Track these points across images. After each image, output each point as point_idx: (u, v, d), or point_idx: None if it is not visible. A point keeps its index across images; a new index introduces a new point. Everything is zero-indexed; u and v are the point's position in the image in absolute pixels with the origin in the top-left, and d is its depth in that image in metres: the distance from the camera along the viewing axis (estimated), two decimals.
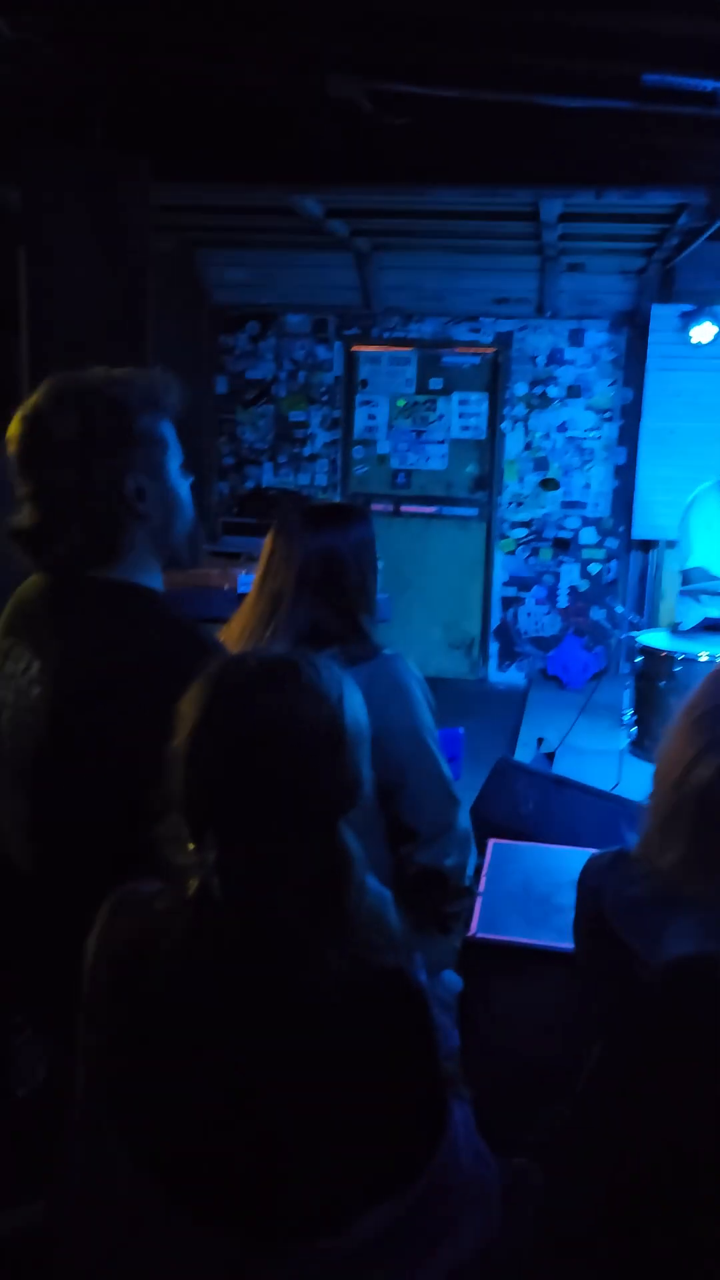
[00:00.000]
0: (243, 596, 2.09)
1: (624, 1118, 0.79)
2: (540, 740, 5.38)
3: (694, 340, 6.11)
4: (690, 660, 4.04)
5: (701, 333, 6.08)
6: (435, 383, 7.04)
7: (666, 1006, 0.81)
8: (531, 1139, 1.31)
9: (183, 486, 1.55)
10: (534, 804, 2.96)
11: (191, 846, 1.12)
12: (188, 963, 1.10)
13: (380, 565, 2.05)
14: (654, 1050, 0.80)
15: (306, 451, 7.24)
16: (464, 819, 1.99)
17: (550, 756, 5.01)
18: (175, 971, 1.10)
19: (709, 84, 3.51)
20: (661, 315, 6.27)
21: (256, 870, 1.09)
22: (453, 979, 1.30)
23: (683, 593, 5.00)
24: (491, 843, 2.39)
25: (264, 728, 1.11)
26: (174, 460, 1.54)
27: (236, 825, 1.10)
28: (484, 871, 2.24)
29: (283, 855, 1.10)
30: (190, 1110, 1.06)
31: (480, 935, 1.99)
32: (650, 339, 6.33)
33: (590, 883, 1.39)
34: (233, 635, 1.97)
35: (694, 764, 1.29)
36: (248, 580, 2.12)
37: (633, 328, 6.60)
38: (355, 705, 1.17)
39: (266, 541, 2.02)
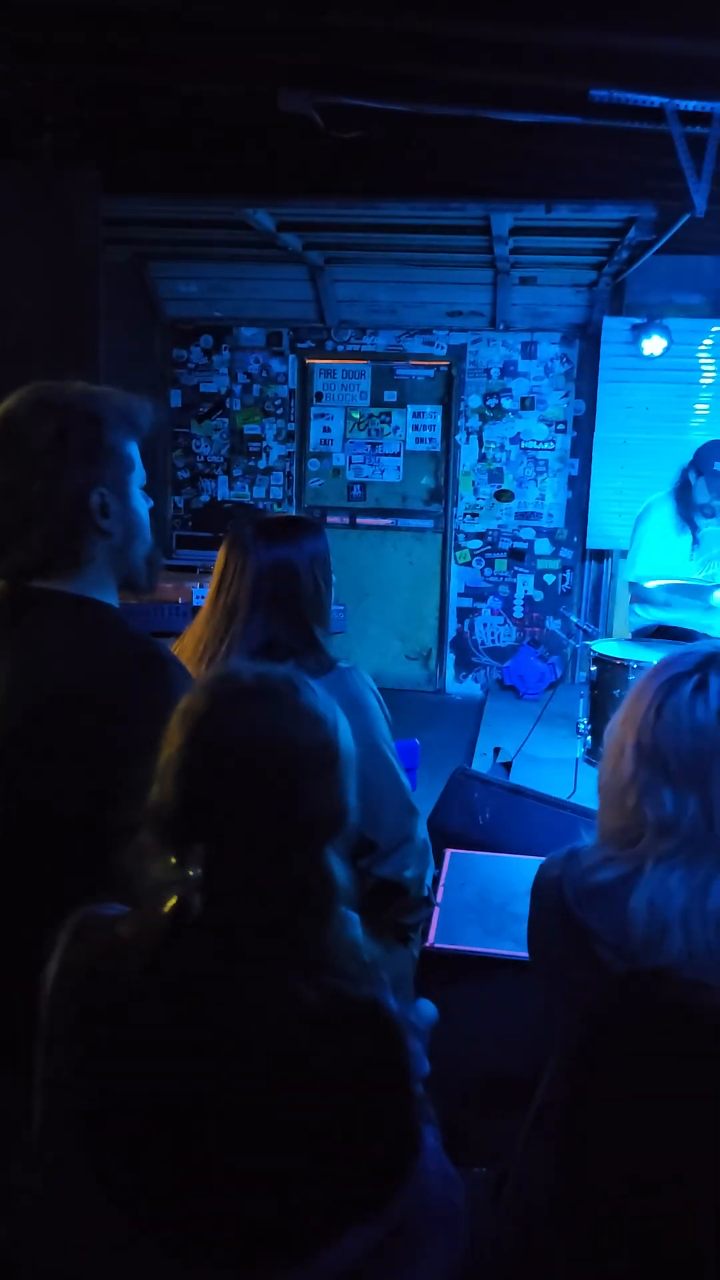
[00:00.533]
0: (197, 610, 2.08)
1: (577, 1126, 0.79)
2: (497, 750, 5.40)
3: (645, 352, 6.19)
4: (645, 668, 4.08)
5: (652, 345, 6.16)
6: (390, 395, 7.07)
7: (617, 1021, 0.81)
8: (493, 1150, 1.30)
9: (143, 509, 1.54)
10: (491, 814, 2.96)
11: (173, 861, 1.10)
12: (157, 986, 1.08)
13: (336, 578, 2.05)
14: (612, 1045, 0.80)
15: (261, 464, 7.24)
16: (422, 830, 1.99)
17: (507, 766, 5.04)
18: (143, 996, 1.08)
19: (656, 99, 3.56)
20: (612, 328, 6.35)
21: (241, 889, 1.08)
22: (428, 1008, 1.29)
23: (633, 605, 5.04)
24: (449, 853, 2.40)
25: (260, 744, 1.10)
26: (138, 481, 1.53)
27: (225, 841, 1.09)
28: (441, 882, 2.24)
29: (269, 875, 1.08)
30: (159, 1140, 1.04)
31: (438, 946, 1.99)
32: (602, 351, 6.40)
33: (550, 874, 1.42)
34: (187, 650, 1.96)
35: (642, 699, 1.40)
36: (202, 594, 2.11)
37: (584, 340, 6.68)
38: (346, 730, 1.16)
39: (220, 555, 2.01)
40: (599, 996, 0.88)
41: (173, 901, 1.08)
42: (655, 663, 1.47)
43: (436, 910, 2.09)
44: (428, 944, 1.98)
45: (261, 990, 1.06)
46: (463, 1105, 1.65)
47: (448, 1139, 1.24)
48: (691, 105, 3.56)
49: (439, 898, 2.15)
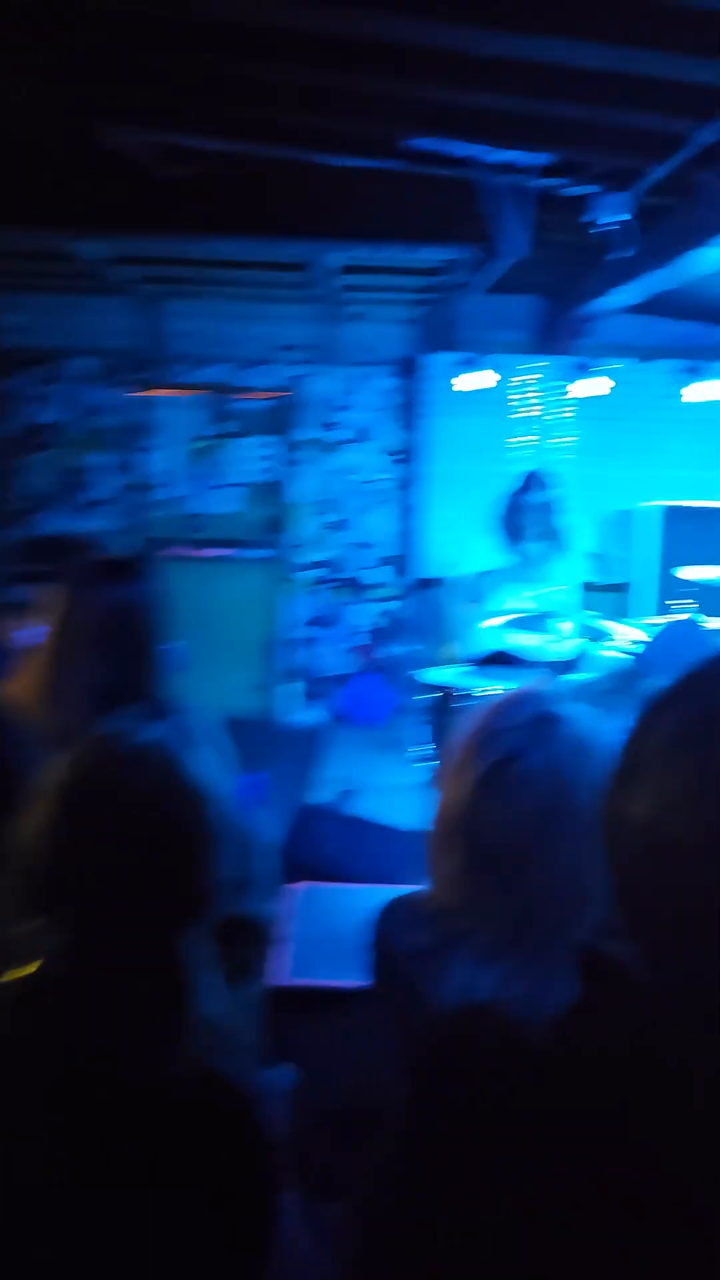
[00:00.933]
0: (29, 650, 2.02)
1: (412, 1158, 0.81)
2: (342, 779, 5.44)
3: (470, 386, 6.40)
4: (478, 694, 4.20)
5: (477, 380, 6.37)
6: (225, 427, 7.07)
7: (437, 1062, 0.84)
8: (348, 1186, 1.31)
9: None
10: (337, 844, 2.99)
11: (37, 923, 1.06)
12: (8, 1056, 1.04)
13: (175, 611, 2.03)
14: (430, 1099, 0.82)
15: (95, 497, 7.10)
16: (270, 864, 1.99)
17: (350, 795, 5.07)
18: None
19: (469, 148, 3.72)
20: (439, 362, 6.54)
21: (104, 958, 1.05)
22: (285, 1074, 1.28)
23: (466, 631, 5.18)
24: (297, 886, 2.40)
25: (132, 819, 1.07)
26: None
27: (91, 910, 1.05)
28: (291, 916, 2.24)
29: (133, 947, 1.05)
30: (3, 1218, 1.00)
31: (290, 982, 1.99)
32: (429, 385, 6.58)
33: (380, 930, 1.41)
34: (20, 693, 1.91)
35: (465, 796, 1.31)
36: (34, 633, 2.06)
37: (413, 374, 6.86)
38: (221, 800, 1.14)
39: (53, 595, 1.97)
40: (428, 1033, 0.90)
41: (33, 966, 1.05)
42: (479, 725, 1.38)
43: (287, 946, 2.09)
44: (280, 981, 1.98)
45: (123, 1058, 1.03)
46: (322, 1141, 1.65)
47: (309, 1180, 1.24)
48: (502, 156, 3.73)
49: (289, 933, 2.15)
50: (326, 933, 2.15)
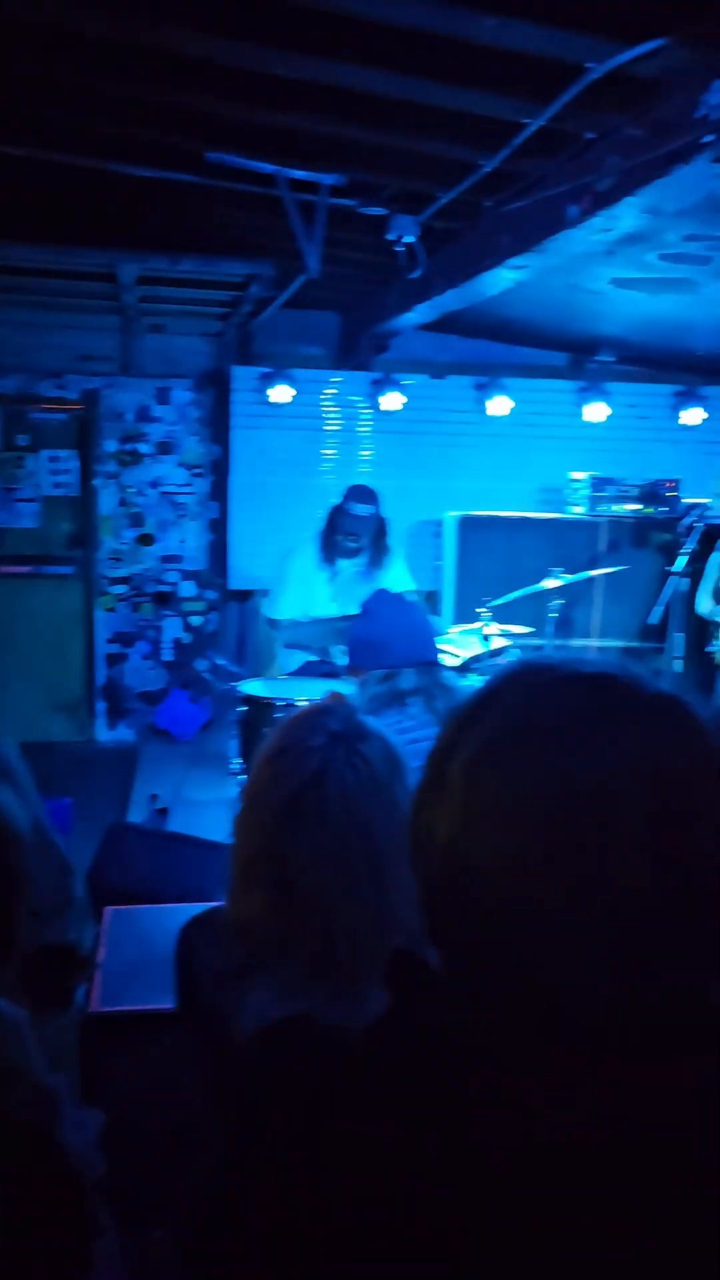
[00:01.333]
0: None
1: (234, 1172, 0.81)
2: (154, 797, 5.36)
3: (273, 400, 6.44)
4: (290, 705, 4.23)
5: (279, 394, 6.42)
6: (22, 439, 6.84)
7: (251, 1079, 0.84)
8: (167, 1213, 1.30)
9: None
10: (150, 864, 2.95)
11: None
12: None
13: None
14: (250, 1116, 0.82)
15: None
16: (80, 889, 1.95)
17: (164, 812, 5.01)
18: None
19: (268, 167, 3.76)
20: (241, 376, 6.55)
21: None
22: (94, 1116, 1.24)
23: (287, 645, 5.22)
24: (108, 910, 2.35)
25: None
26: None
27: None
28: (102, 941, 2.19)
29: None
30: None
31: (103, 1009, 1.95)
32: (233, 399, 6.58)
33: (182, 950, 1.40)
34: None
35: (265, 828, 1.30)
36: None
37: (216, 387, 6.84)
38: (21, 849, 1.09)
39: None
40: (242, 1051, 0.90)
41: None
42: (275, 750, 1.36)
43: (98, 972, 2.04)
44: (92, 1009, 1.94)
45: None
46: (137, 1171, 1.62)
47: (126, 1211, 1.23)
48: (300, 174, 3.79)
49: (100, 958, 2.11)
50: (137, 956, 2.12)
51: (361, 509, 4.89)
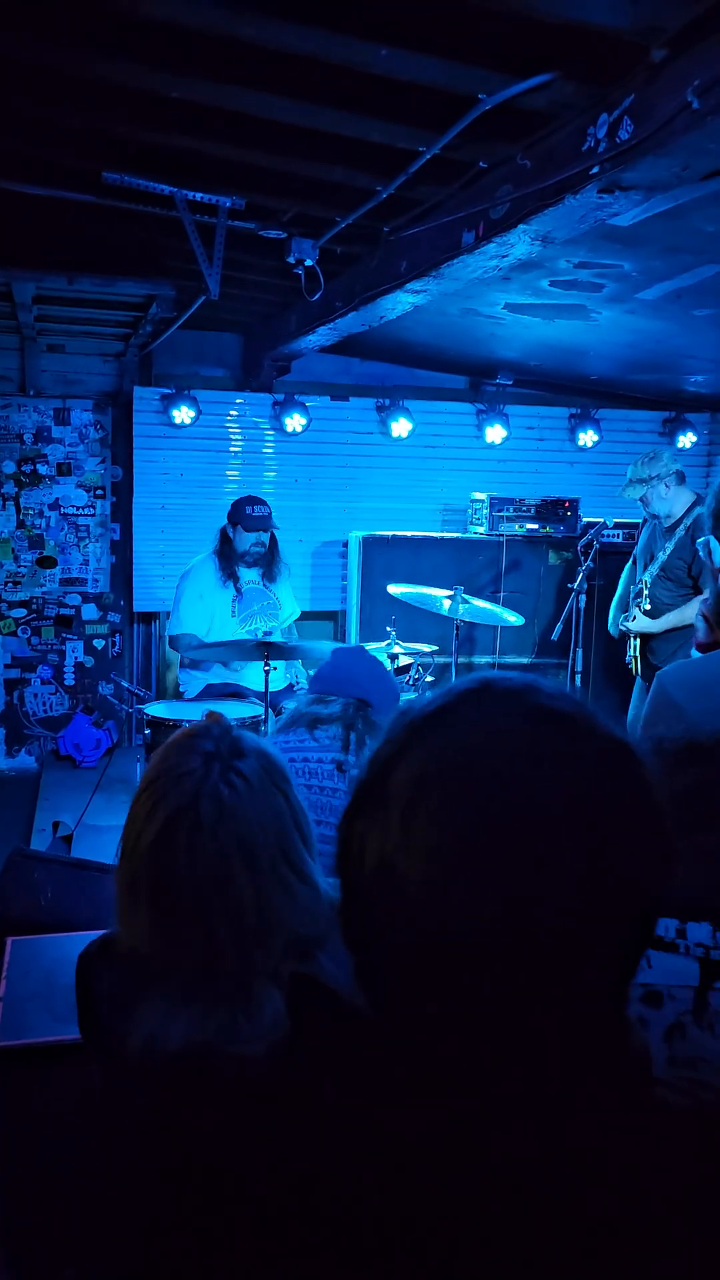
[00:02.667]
0: None
1: (143, 1209, 0.80)
2: (57, 824, 5.25)
3: (176, 421, 6.41)
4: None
5: (181, 415, 6.40)
6: None
7: (154, 1114, 0.82)
8: (78, 1253, 1.27)
9: None
10: (53, 892, 2.88)
11: None
12: None
13: None
14: (158, 1157, 0.80)
15: None
16: None
17: (68, 839, 4.91)
18: None
19: (167, 188, 3.75)
20: (143, 397, 6.51)
21: None
22: None
23: (182, 666, 5.19)
24: (9, 941, 2.29)
25: None
26: None
27: None
28: (3, 974, 2.14)
29: None
30: None
31: (4, 1044, 1.90)
32: (135, 420, 6.53)
33: (80, 976, 1.39)
34: None
35: (145, 849, 1.32)
36: None
37: (117, 408, 6.77)
38: None
39: None
40: (151, 1080, 0.89)
41: None
42: (152, 776, 1.38)
43: (0, 1005, 1.99)
44: None
45: None
46: (55, 1205, 1.58)
47: (35, 1238, 1.20)
48: (199, 196, 3.79)
49: (1, 991, 2.05)
50: (42, 987, 2.07)
51: (259, 510, 4.92)
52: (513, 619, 5.49)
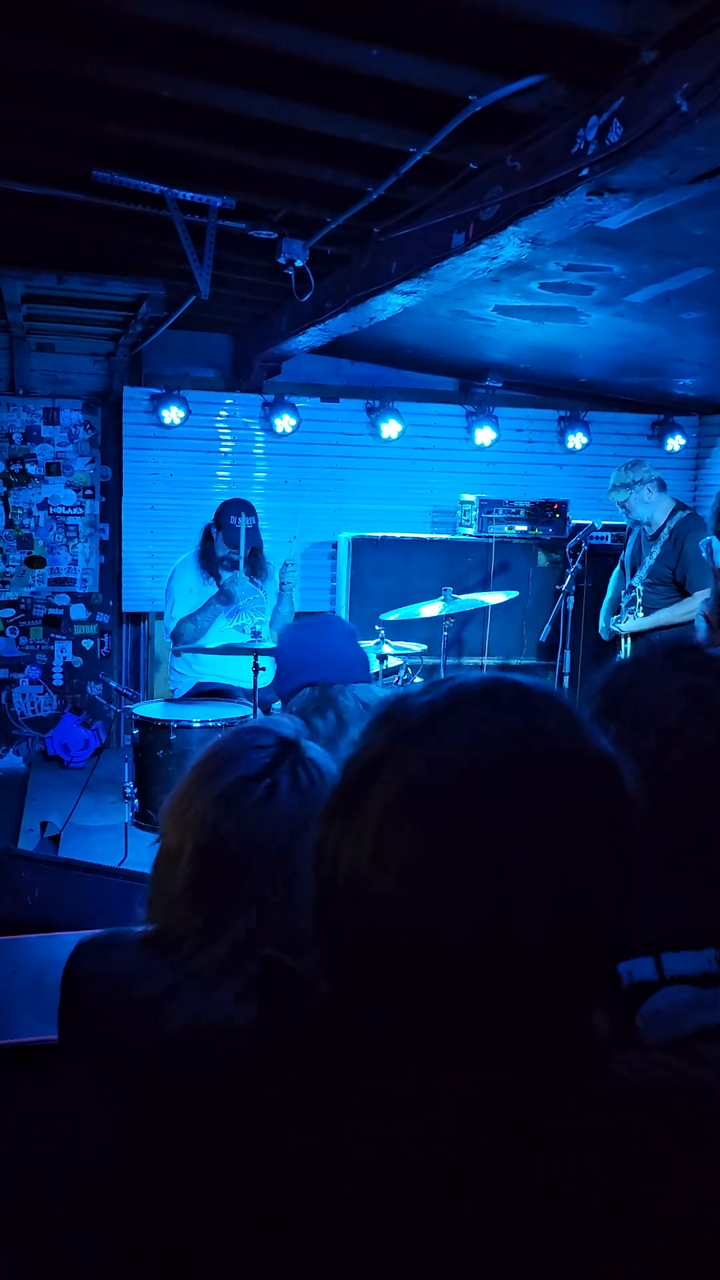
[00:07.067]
0: None
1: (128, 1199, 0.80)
2: (44, 824, 5.23)
3: (166, 421, 6.40)
4: (185, 727, 4.19)
5: (171, 415, 6.39)
6: None
7: (144, 1090, 0.82)
8: (81, 1264, 1.27)
9: None
10: (40, 892, 2.87)
11: None
12: None
13: None
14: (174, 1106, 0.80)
15: None
16: None
17: (56, 840, 4.90)
18: None
19: (156, 187, 3.75)
20: (133, 397, 6.50)
21: None
22: None
23: (175, 651, 5.16)
24: None
25: None
26: None
27: None
28: None
29: None
30: None
31: None
32: (124, 420, 6.52)
33: (83, 969, 1.36)
34: None
35: (203, 791, 1.30)
36: None
37: (106, 408, 6.76)
38: None
39: None
40: (147, 1068, 0.89)
41: None
42: (220, 746, 1.36)
43: None
44: None
45: None
46: (31, 1209, 1.58)
47: (21, 1238, 1.19)
48: (189, 195, 3.79)
49: None
50: (26, 987, 2.06)
51: (243, 522, 4.90)
52: (503, 596, 5.52)
